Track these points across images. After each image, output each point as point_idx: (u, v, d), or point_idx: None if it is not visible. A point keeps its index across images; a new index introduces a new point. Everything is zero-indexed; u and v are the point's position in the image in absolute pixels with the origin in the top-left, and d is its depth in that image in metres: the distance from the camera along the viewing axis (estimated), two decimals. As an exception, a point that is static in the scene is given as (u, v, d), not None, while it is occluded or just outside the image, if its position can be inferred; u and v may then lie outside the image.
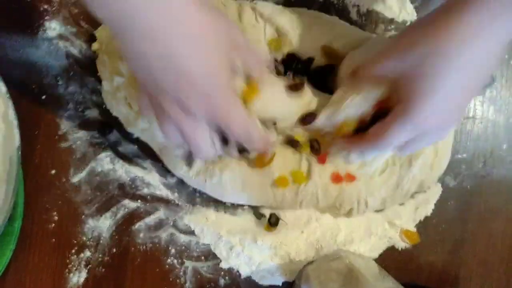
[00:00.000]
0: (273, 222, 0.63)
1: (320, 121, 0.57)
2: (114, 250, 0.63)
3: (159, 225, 0.64)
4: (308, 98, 0.58)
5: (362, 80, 0.53)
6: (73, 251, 0.63)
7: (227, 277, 0.64)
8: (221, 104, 0.47)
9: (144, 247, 0.63)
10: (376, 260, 0.65)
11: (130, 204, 0.64)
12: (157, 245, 0.63)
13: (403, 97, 0.49)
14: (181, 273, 0.64)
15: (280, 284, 0.64)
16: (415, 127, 0.49)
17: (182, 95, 0.45)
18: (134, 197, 0.64)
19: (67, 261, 0.62)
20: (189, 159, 0.60)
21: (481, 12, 0.44)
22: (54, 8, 0.64)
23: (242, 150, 0.56)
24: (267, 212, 0.64)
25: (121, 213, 0.63)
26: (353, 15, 0.66)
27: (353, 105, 0.54)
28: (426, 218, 0.66)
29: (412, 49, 0.47)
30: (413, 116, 0.48)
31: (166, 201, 0.64)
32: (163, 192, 0.64)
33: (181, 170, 0.61)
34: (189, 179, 0.62)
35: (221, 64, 0.46)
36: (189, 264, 0.64)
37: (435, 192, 0.66)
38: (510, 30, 0.45)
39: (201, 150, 0.50)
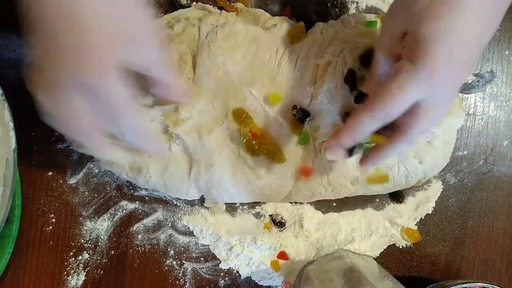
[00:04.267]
0: (278, 222, 0.63)
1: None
2: (113, 252, 0.63)
3: (158, 226, 0.64)
4: None
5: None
6: (71, 253, 0.62)
7: (227, 278, 0.64)
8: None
9: (143, 248, 0.63)
10: (377, 258, 0.65)
11: (128, 206, 0.63)
12: (156, 246, 0.63)
13: (412, 46, 0.44)
14: (181, 275, 0.63)
15: (280, 285, 0.64)
16: (430, 75, 0.44)
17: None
18: (132, 198, 0.63)
19: (65, 263, 0.62)
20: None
21: None
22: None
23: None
24: (266, 212, 0.64)
25: (119, 214, 0.63)
26: (352, 11, 0.65)
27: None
28: (427, 215, 0.66)
29: None
30: (427, 61, 0.43)
31: (164, 202, 0.64)
32: (161, 192, 0.64)
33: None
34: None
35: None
36: (188, 265, 0.63)
37: (436, 189, 0.66)
38: None
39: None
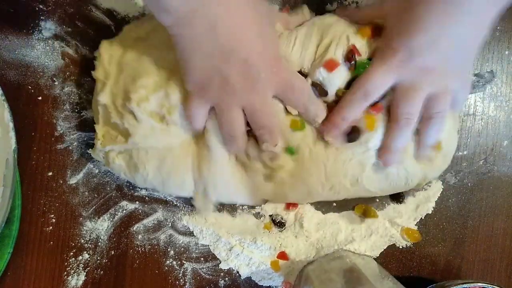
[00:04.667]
0: (278, 223, 0.63)
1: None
2: (113, 252, 0.63)
3: (158, 226, 0.64)
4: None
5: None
6: (71, 253, 0.62)
7: (227, 278, 0.64)
8: (283, 74, 0.54)
9: (143, 249, 0.63)
10: (377, 258, 0.65)
11: (128, 206, 0.63)
12: (156, 246, 0.63)
13: (399, 26, 0.52)
14: (181, 275, 0.63)
15: (280, 285, 0.64)
16: (412, 59, 0.51)
17: (248, 78, 0.51)
18: (132, 198, 0.63)
19: (65, 264, 0.62)
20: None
21: None
22: (49, 8, 0.63)
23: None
24: (266, 213, 0.64)
25: (119, 214, 0.63)
26: (352, 11, 0.65)
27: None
28: (427, 215, 0.66)
29: None
30: (406, 42, 0.50)
31: (164, 202, 0.64)
32: (161, 192, 0.64)
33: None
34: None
35: (272, 41, 0.54)
36: (188, 265, 0.63)
37: (436, 189, 0.66)
38: None
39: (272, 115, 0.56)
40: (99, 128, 0.59)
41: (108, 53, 0.59)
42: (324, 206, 0.65)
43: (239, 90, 0.51)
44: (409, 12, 0.50)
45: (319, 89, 0.56)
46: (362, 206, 0.64)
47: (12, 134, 0.54)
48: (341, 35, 0.57)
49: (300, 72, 0.57)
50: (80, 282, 0.62)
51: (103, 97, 0.58)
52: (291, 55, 0.57)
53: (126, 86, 0.57)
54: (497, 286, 0.60)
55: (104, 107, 0.58)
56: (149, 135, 0.57)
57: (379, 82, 0.53)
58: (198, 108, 0.54)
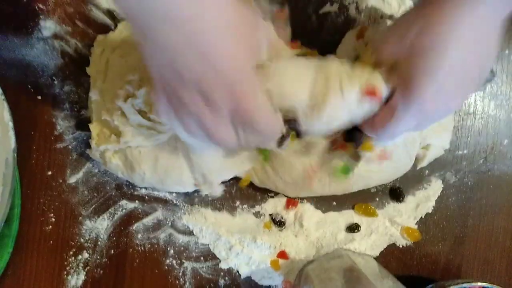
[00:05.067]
0: (278, 222, 0.63)
1: None
2: (112, 251, 0.63)
3: (157, 225, 0.64)
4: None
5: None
6: (71, 252, 0.62)
7: (226, 278, 0.64)
8: (246, 95, 0.45)
9: (143, 248, 0.63)
10: (377, 257, 0.65)
11: (127, 205, 0.63)
12: (156, 245, 0.63)
13: (404, 78, 0.48)
14: (180, 274, 0.63)
15: (280, 284, 0.63)
16: (421, 108, 0.48)
17: (206, 85, 0.43)
18: (131, 197, 0.63)
19: (65, 263, 0.62)
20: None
21: None
22: (49, 8, 0.63)
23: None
24: (266, 212, 0.64)
25: (118, 214, 0.63)
26: (352, 11, 0.65)
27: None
28: (427, 214, 0.66)
29: (409, 30, 0.47)
30: (417, 96, 0.47)
31: (164, 201, 0.64)
32: (161, 192, 0.64)
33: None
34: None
35: (247, 53, 0.45)
36: (188, 264, 0.63)
37: (436, 189, 0.66)
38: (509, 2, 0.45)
39: (225, 143, 0.48)
40: (93, 127, 0.59)
41: (101, 48, 0.59)
42: (324, 205, 0.65)
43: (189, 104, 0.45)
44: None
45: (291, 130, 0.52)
46: (362, 205, 0.64)
47: (11, 133, 0.55)
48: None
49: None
50: (80, 281, 0.62)
51: (94, 94, 0.57)
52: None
53: (113, 82, 0.57)
54: (497, 285, 0.60)
55: (96, 104, 0.58)
56: (137, 133, 0.56)
57: (394, 133, 0.52)
58: (163, 107, 0.48)
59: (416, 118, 0.49)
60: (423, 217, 0.66)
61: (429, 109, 0.48)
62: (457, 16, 0.45)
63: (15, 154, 0.54)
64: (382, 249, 0.65)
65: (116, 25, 0.63)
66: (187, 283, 0.63)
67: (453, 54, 0.46)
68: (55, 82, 0.63)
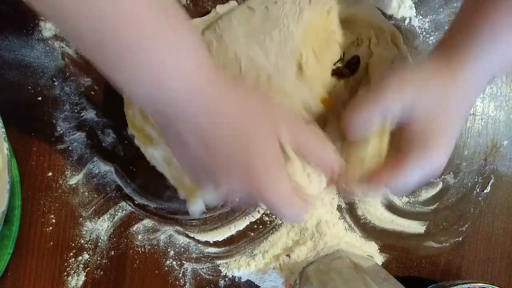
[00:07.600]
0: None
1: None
2: (113, 252, 0.63)
3: (158, 226, 0.63)
4: None
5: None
6: (71, 254, 0.62)
7: (227, 279, 0.64)
8: (273, 194, 0.45)
9: (143, 249, 0.63)
10: (377, 259, 0.65)
11: (128, 206, 0.63)
12: (156, 247, 0.63)
13: (418, 135, 0.49)
14: (181, 275, 0.63)
15: (281, 285, 0.63)
16: (432, 167, 0.49)
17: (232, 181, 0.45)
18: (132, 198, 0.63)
19: (65, 264, 0.62)
20: None
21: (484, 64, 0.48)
22: (49, 8, 0.63)
23: None
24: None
25: (119, 215, 0.63)
26: (352, 12, 0.65)
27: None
28: (427, 215, 0.66)
29: (428, 86, 0.48)
30: (432, 159, 0.49)
31: (164, 202, 0.64)
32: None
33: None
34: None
35: (271, 149, 0.45)
36: (188, 265, 0.63)
37: (436, 189, 0.66)
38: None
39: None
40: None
41: None
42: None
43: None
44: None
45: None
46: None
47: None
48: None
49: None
50: (80, 283, 0.62)
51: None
52: None
53: None
54: (497, 286, 0.60)
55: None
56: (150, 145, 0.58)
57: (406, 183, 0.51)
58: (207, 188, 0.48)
59: (425, 175, 0.50)
60: (423, 217, 0.66)
61: (440, 163, 0.49)
62: (469, 80, 0.48)
63: (15, 154, 0.54)
64: (382, 250, 0.65)
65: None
66: (187, 284, 0.63)
67: (460, 117, 0.50)
68: (56, 83, 0.63)
